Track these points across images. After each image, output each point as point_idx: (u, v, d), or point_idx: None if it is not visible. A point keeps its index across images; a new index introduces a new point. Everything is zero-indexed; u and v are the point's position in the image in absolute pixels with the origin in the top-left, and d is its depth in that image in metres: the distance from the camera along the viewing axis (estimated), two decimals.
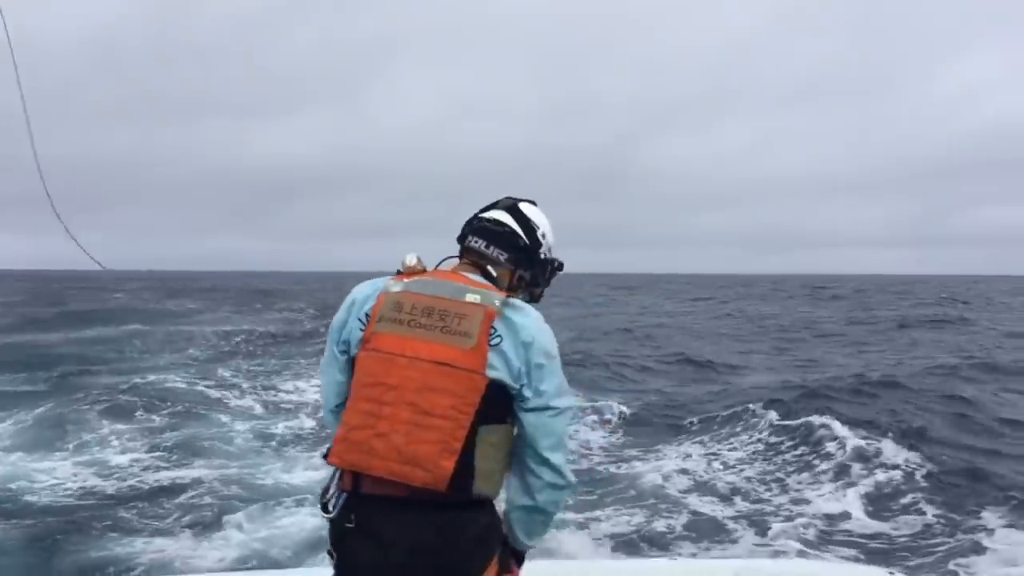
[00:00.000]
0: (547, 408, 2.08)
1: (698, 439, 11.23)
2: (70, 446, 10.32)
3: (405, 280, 2.17)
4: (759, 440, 10.93)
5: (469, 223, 2.34)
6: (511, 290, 2.28)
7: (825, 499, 8.42)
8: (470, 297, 2.09)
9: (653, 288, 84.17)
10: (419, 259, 2.24)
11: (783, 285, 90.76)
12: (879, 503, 8.28)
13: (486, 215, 2.34)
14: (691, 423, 12.15)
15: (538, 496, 2.13)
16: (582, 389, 14.13)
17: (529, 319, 2.11)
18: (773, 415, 11.71)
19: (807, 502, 8.33)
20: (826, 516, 7.86)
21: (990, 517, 7.65)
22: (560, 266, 2.45)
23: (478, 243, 2.28)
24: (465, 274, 2.22)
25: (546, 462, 2.09)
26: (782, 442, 10.68)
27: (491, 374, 2.02)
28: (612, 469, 9.45)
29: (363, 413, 2.04)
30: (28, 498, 8.25)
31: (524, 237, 2.31)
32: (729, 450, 10.62)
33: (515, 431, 2.12)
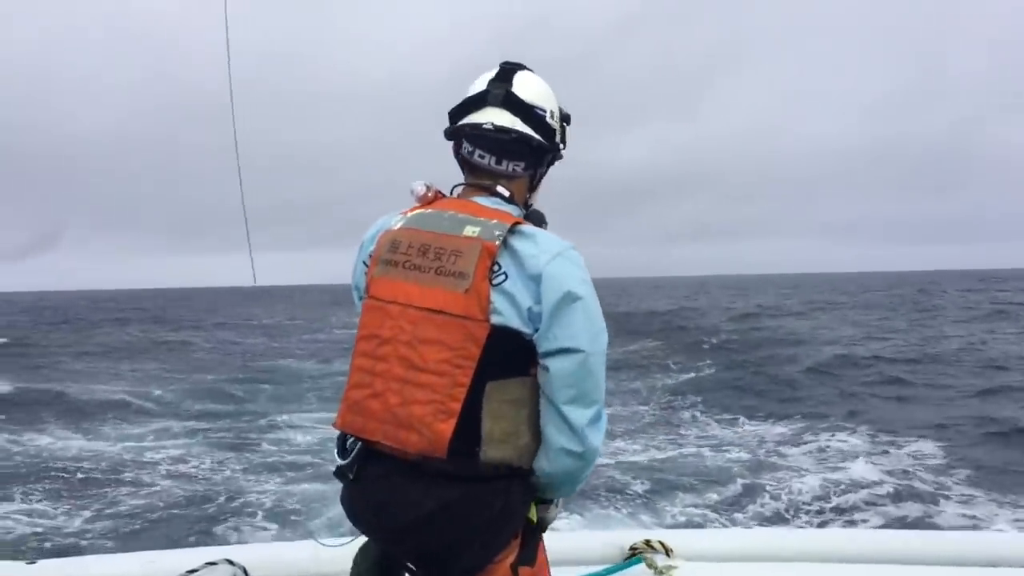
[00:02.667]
0: (566, 351, 1.71)
1: None
2: None
3: (409, 214, 1.90)
4: None
5: (461, 127, 1.91)
6: (531, 194, 1.97)
7: None
8: (469, 230, 1.77)
9: None
10: (428, 186, 1.92)
11: None
12: None
13: (483, 120, 1.87)
14: None
15: (548, 463, 1.78)
16: None
17: (538, 247, 1.76)
18: None
19: None
20: None
21: None
22: (564, 143, 1.98)
23: (485, 158, 1.88)
24: (474, 199, 1.88)
25: (563, 419, 1.73)
26: None
27: (496, 320, 1.70)
28: None
29: (360, 370, 1.82)
30: None
31: (536, 135, 1.89)
32: None
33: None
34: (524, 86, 1.90)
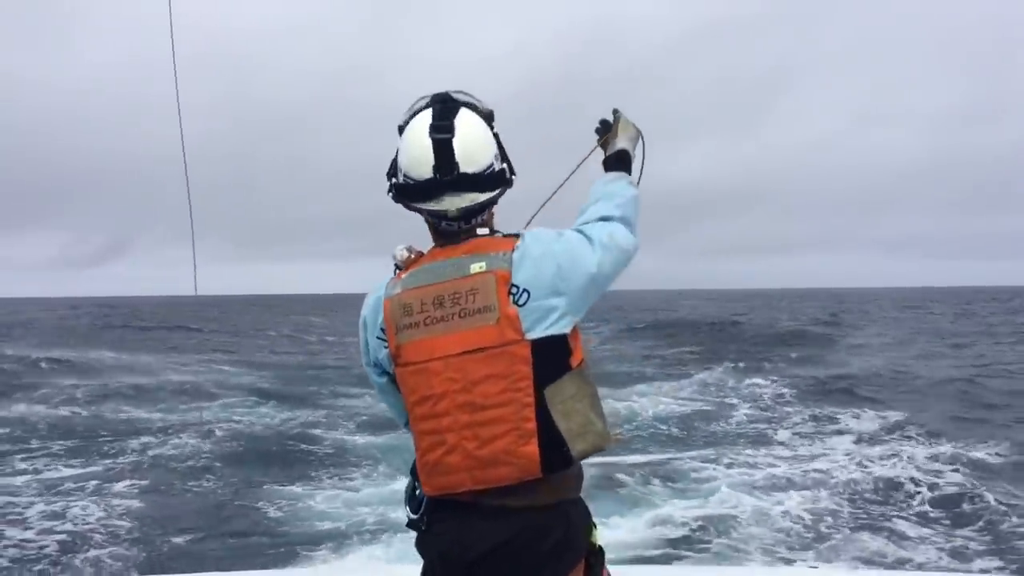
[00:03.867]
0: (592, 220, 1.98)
1: None
2: None
3: (403, 276, 1.91)
4: None
5: (420, 211, 1.93)
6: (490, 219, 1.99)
7: None
8: (475, 267, 1.82)
9: None
10: (409, 248, 1.95)
11: None
12: None
13: (442, 209, 1.86)
14: None
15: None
16: None
17: (529, 242, 1.87)
18: None
19: None
20: None
21: None
22: (506, 159, 1.96)
23: (454, 226, 1.90)
24: (460, 245, 1.90)
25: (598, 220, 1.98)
26: None
27: (532, 335, 1.78)
28: None
29: (426, 434, 1.87)
30: None
31: (496, 191, 1.91)
32: None
33: (586, 370, 1.89)
34: (469, 159, 1.85)
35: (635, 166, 2.19)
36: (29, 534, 8.39)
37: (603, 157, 2.20)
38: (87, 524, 8.72)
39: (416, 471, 1.94)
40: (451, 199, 1.85)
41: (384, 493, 9.59)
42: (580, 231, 1.95)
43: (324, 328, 48.37)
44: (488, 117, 1.93)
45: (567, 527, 1.84)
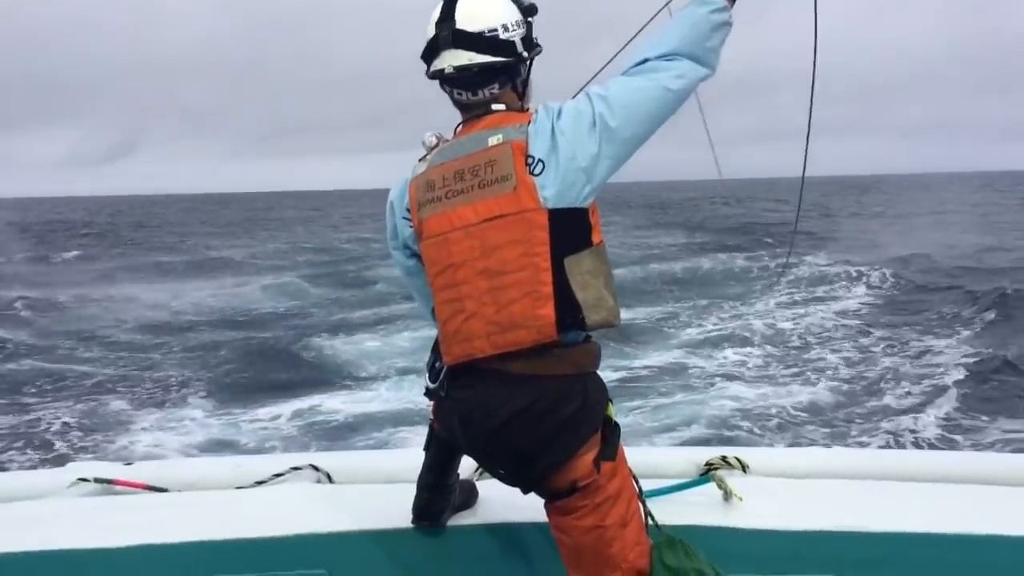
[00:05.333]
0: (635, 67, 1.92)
1: None
2: None
3: (428, 157, 2.01)
4: None
5: (433, 74, 1.99)
6: (523, 99, 2.03)
7: None
8: (492, 140, 1.88)
9: None
10: (437, 135, 2.04)
11: None
12: None
13: (442, 66, 1.93)
14: None
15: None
16: None
17: (541, 115, 1.89)
18: None
19: None
20: None
21: None
22: (537, 43, 1.99)
23: (463, 95, 1.97)
24: (479, 121, 1.96)
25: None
26: None
27: (549, 204, 1.82)
28: None
29: (447, 303, 1.93)
30: None
31: (495, 58, 1.92)
32: None
33: (603, 250, 1.92)
34: (468, 16, 1.90)
35: None
36: None
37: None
38: None
39: (437, 346, 2.03)
40: (448, 55, 1.91)
41: None
42: (587, 91, 1.93)
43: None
44: (523, 8, 1.96)
45: (585, 397, 1.88)
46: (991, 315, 14.12)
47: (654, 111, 1.88)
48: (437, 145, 2.01)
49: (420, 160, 2.03)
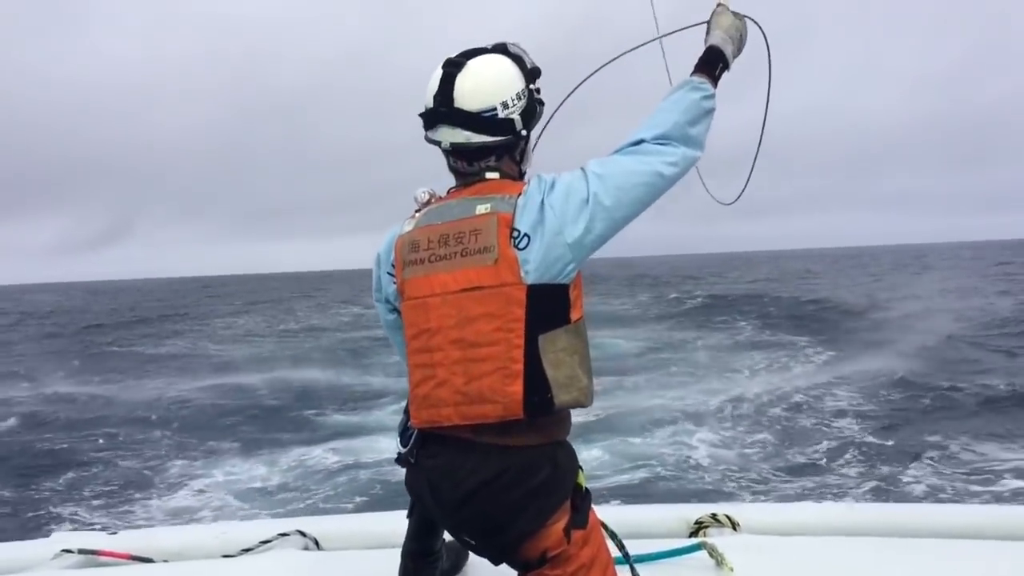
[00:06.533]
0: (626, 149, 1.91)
1: None
2: None
3: (417, 216, 2.00)
4: None
5: (431, 143, 2.00)
6: (521, 165, 2.03)
7: None
8: (480, 209, 1.87)
9: None
10: (430, 191, 2.03)
11: None
12: None
13: (439, 140, 1.94)
14: None
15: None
16: None
17: (532, 188, 1.87)
18: None
19: None
20: None
21: None
22: (540, 103, 1.99)
23: (459, 164, 1.98)
24: (470, 187, 1.96)
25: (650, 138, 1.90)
26: None
27: (529, 279, 1.80)
28: None
29: (419, 367, 1.93)
30: None
31: (495, 136, 1.91)
32: None
33: (582, 328, 1.90)
34: (467, 94, 1.89)
35: (735, 65, 2.09)
36: None
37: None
38: None
39: (408, 407, 2.01)
40: (446, 131, 1.92)
41: None
42: (583, 167, 1.92)
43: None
44: (527, 72, 1.96)
45: (555, 466, 1.87)
46: None
47: (643, 195, 1.89)
48: (429, 202, 2.01)
49: (410, 217, 2.03)
